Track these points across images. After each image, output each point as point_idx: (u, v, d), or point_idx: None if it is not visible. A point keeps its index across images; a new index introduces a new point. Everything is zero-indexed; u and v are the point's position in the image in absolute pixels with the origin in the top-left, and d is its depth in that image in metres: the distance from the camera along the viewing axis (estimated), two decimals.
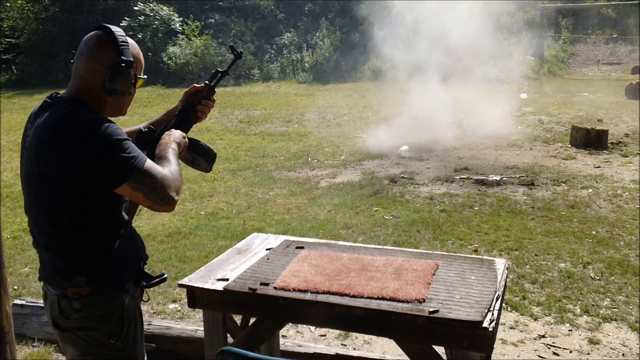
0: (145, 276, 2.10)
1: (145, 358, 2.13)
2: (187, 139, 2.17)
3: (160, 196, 1.86)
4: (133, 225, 2.11)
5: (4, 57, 23.90)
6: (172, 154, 2.02)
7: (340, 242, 3.07)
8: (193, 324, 3.84)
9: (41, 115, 1.93)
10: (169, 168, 1.93)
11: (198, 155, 2.28)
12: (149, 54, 20.76)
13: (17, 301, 3.86)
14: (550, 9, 23.56)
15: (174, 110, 2.33)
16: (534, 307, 4.31)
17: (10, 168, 8.83)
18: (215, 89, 2.37)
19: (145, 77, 2.12)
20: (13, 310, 3.58)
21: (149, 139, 2.15)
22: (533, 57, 22.56)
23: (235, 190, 7.87)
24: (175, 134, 2.13)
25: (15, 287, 4.66)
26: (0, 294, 3.39)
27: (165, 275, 2.17)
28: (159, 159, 1.97)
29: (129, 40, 2.00)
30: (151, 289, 4.61)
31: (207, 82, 2.36)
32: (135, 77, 2.01)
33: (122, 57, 1.93)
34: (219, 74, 2.40)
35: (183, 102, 2.33)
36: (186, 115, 2.30)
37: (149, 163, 1.87)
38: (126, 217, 2.03)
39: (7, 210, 6.67)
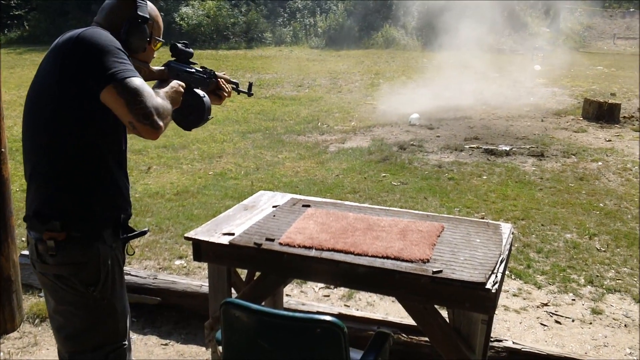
0: (126, 228, 2.09)
1: (127, 308, 2.12)
2: (182, 88, 2.19)
3: (144, 112, 1.81)
4: (135, 185, 2.11)
5: (16, 13, 23.78)
6: (164, 91, 2.08)
7: (347, 202, 3.07)
8: (199, 280, 3.88)
9: (56, 41, 1.98)
10: (159, 97, 1.94)
11: (190, 103, 2.28)
12: (162, 13, 20.48)
13: (25, 252, 3.90)
14: None
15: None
16: (538, 276, 4.33)
17: (21, 123, 8.86)
18: (229, 78, 2.53)
19: (163, 40, 2.22)
20: (20, 261, 3.62)
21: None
22: (548, 29, 22.22)
23: (244, 152, 7.87)
24: (173, 81, 2.19)
25: (23, 239, 4.71)
26: (8, 243, 3.44)
27: (147, 230, 2.20)
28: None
29: (148, 2, 2.13)
30: (158, 246, 4.67)
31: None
32: (151, 37, 2.12)
33: (138, 13, 2.04)
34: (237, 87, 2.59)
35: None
36: (209, 77, 2.40)
37: (141, 80, 1.87)
38: (115, 166, 2.01)
39: (16, 164, 6.69)
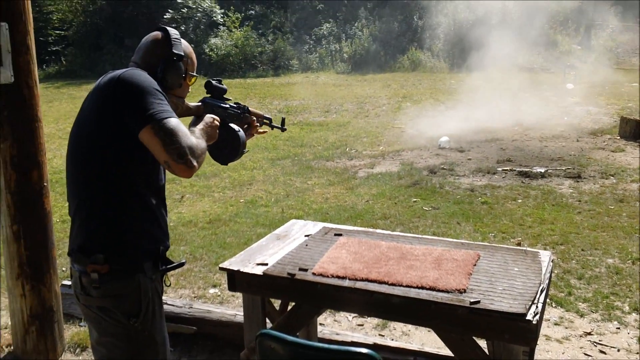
0: (165, 260, 2.15)
1: (167, 339, 2.17)
2: (217, 122, 2.24)
3: (179, 152, 1.88)
4: (169, 214, 2.15)
5: (54, 49, 24.52)
6: (200, 128, 2.14)
7: (379, 230, 3.04)
8: (232, 309, 3.87)
9: (98, 81, 2.06)
10: (194, 136, 2.01)
11: (225, 138, 2.32)
12: (192, 45, 20.92)
13: (66, 282, 3.96)
14: None
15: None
16: (580, 304, 4.20)
17: (60, 155, 9.03)
18: (253, 111, 2.56)
19: (197, 75, 2.30)
20: (61, 291, 3.69)
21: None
22: (580, 46, 21.96)
23: (274, 179, 7.89)
24: (207, 116, 2.25)
25: (64, 269, 4.78)
26: (50, 273, 3.50)
27: (184, 261, 2.25)
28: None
29: (182, 40, 2.22)
30: (192, 275, 4.68)
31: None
32: (186, 73, 2.20)
33: (174, 51, 2.13)
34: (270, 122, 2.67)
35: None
36: (243, 112, 2.46)
37: (178, 121, 1.94)
38: (154, 201, 2.07)
39: (57, 196, 6.83)
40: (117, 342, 2.04)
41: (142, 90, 1.92)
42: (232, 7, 23.74)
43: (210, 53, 22.10)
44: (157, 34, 2.19)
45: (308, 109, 13.79)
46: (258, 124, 2.54)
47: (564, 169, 7.88)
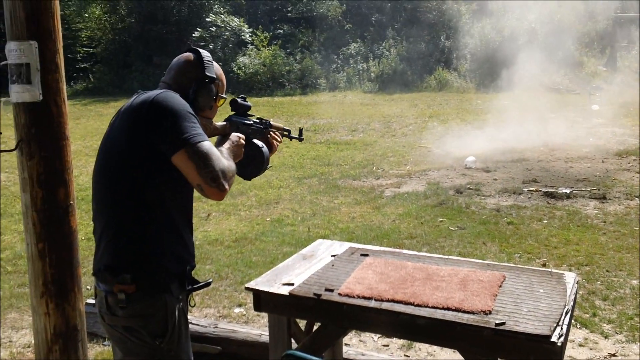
0: (191, 280, 2.16)
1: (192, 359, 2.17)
2: (243, 140, 2.29)
3: (212, 176, 1.92)
4: (195, 233, 2.18)
5: (82, 66, 25.02)
6: (226, 147, 2.18)
7: (405, 251, 3.07)
8: (258, 329, 3.91)
9: (130, 101, 2.08)
10: (224, 158, 2.05)
11: (249, 154, 2.38)
12: (220, 63, 21.04)
13: (90, 300, 4.01)
14: (623, 18, 22.69)
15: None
16: (605, 325, 4.17)
17: (87, 172, 9.22)
18: (281, 126, 2.63)
19: (226, 97, 2.33)
20: (86, 309, 3.73)
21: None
22: (605, 68, 21.77)
23: (301, 197, 7.96)
24: (233, 135, 2.28)
25: (88, 287, 4.87)
26: (75, 292, 3.53)
27: (210, 281, 2.26)
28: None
29: (214, 62, 2.24)
30: (217, 294, 4.73)
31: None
32: (217, 94, 2.22)
33: (206, 74, 2.15)
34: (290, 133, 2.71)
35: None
36: (265, 127, 2.50)
37: (210, 144, 1.98)
38: (181, 221, 2.10)
39: (82, 213, 6.97)
40: None
41: (176, 113, 1.94)
42: (260, 26, 24.05)
43: (239, 71, 22.38)
44: (189, 55, 2.21)
45: (335, 127, 13.88)
46: (278, 138, 2.56)
47: (589, 189, 7.82)
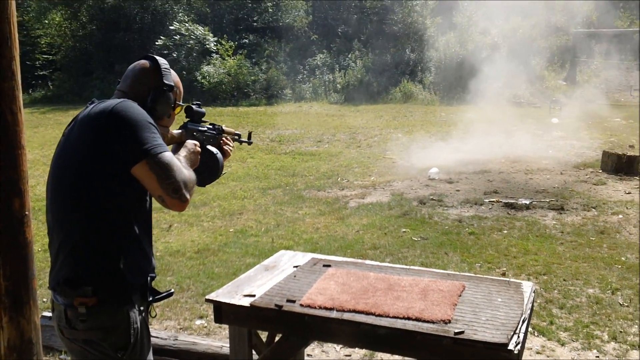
0: (152, 291, 2.13)
1: None
2: (198, 148, 2.29)
3: (174, 187, 1.91)
4: (156, 244, 2.15)
5: (41, 73, 24.54)
6: (183, 156, 2.17)
7: (368, 261, 3.09)
8: (219, 341, 3.87)
9: (87, 110, 2.03)
10: (185, 168, 2.03)
11: (204, 161, 2.37)
12: (184, 72, 21.08)
13: (46, 313, 3.92)
14: (583, 34, 23.37)
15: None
16: (562, 333, 4.25)
17: (43, 182, 8.93)
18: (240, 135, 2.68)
19: (183, 105, 2.31)
20: (42, 322, 3.64)
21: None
22: (565, 82, 22.36)
23: (265, 208, 7.93)
24: (189, 142, 2.27)
25: (45, 300, 4.76)
26: (30, 305, 3.45)
27: (172, 291, 2.23)
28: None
29: (171, 69, 2.20)
30: (178, 306, 4.67)
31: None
32: (175, 102, 2.20)
33: (164, 81, 2.12)
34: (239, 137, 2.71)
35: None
36: (218, 133, 2.49)
37: (171, 155, 1.96)
38: (141, 231, 2.06)
39: (38, 224, 6.80)
40: None
41: (136, 123, 1.91)
42: (225, 35, 23.98)
43: (203, 80, 22.26)
44: (145, 62, 2.16)
45: (300, 138, 13.90)
46: (230, 143, 2.55)
47: (547, 201, 7.99)
